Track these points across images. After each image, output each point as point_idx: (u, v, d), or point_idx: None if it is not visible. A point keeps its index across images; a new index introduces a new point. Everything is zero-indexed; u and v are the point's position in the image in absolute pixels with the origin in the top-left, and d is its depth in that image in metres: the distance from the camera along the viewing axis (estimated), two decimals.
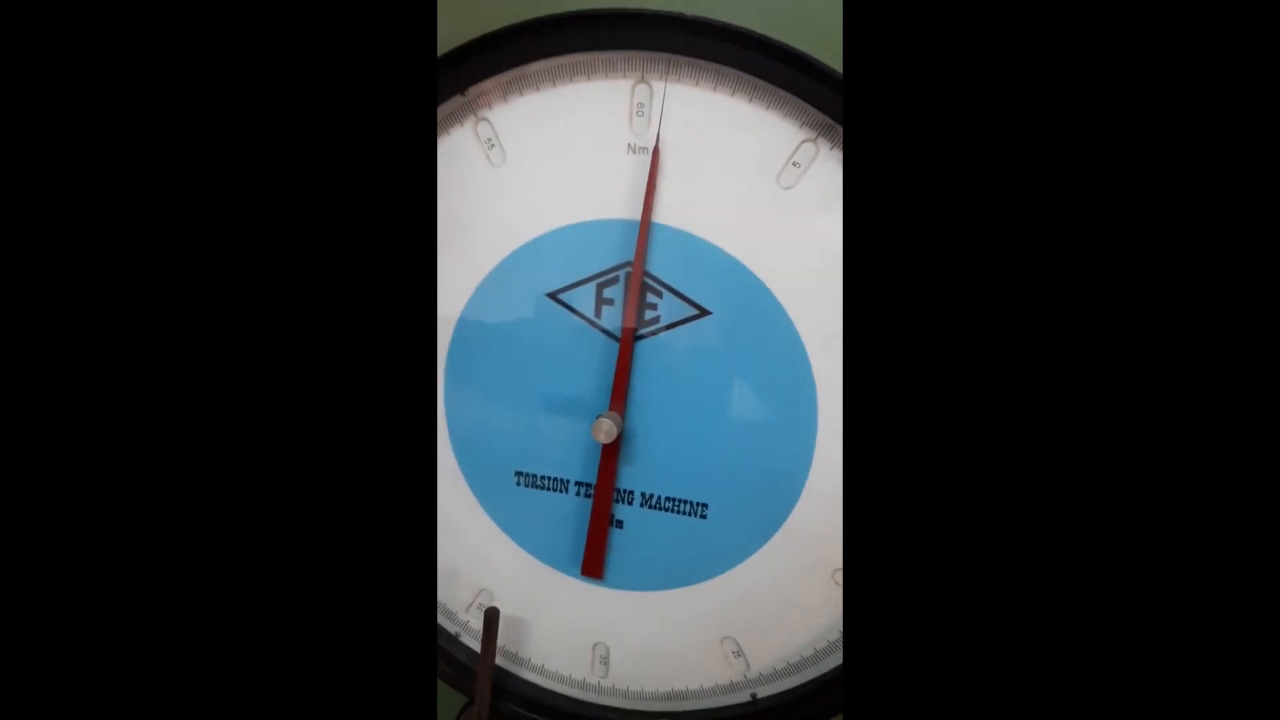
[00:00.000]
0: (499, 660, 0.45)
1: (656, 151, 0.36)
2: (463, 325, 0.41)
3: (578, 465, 0.41)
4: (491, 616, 0.42)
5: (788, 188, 0.35)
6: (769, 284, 0.37)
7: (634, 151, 0.36)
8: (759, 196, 0.36)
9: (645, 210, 0.36)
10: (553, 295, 0.39)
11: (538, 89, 0.37)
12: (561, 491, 0.42)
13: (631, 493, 0.41)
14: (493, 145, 0.38)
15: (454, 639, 0.45)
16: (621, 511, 0.41)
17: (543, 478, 0.42)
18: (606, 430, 0.38)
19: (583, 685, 0.45)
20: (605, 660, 0.44)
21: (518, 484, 0.42)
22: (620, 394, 0.39)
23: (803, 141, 0.35)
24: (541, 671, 0.45)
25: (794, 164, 0.35)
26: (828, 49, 0.33)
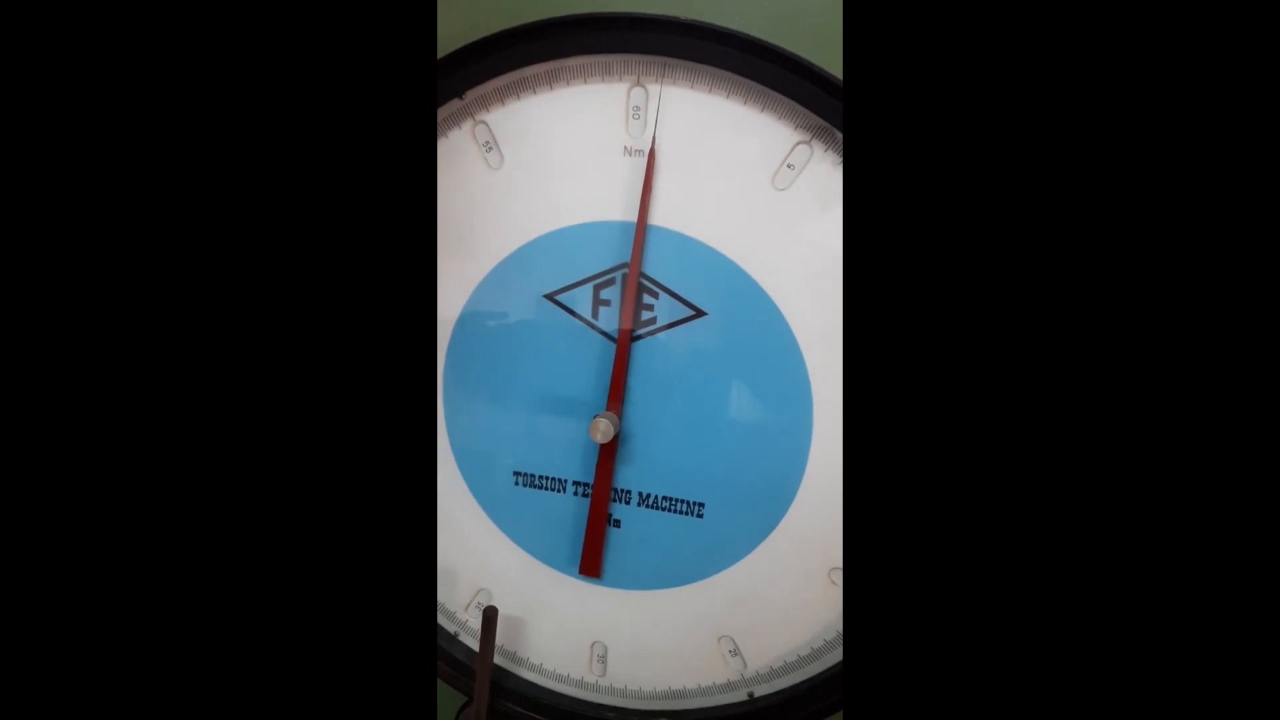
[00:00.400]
0: (497, 659, 0.45)
1: (652, 154, 0.36)
2: (461, 326, 0.41)
3: (575, 465, 0.42)
4: (490, 615, 0.42)
5: (782, 189, 0.36)
6: (764, 285, 0.37)
7: (630, 154, 0.37)
8: (754, 198, 0.36)
9: (641, 212, 0.37)
10: (550, 296, 0.40)
11: (535, 92, 0.37)
12: (559, 491, 0.42)
13: (629, 492, 0.41)
14: (490, 148, 0.38)
15: (453, 638, 0.46)
16: (619, 511, 0.41)
17: (541, 477, 0.42)
18: (603, 430, 0.38)
19: (580, 684, 0.45)
20: (603, 659, 0.44)
21: (516, 483, 0.43)
22: (617, 394, 0.39)
23: (797, 143, 0.35)
24: (540, 670, 0.45)
25: (789, 166, 0.35)
26: (822, 51, 0.34)
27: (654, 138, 0.36)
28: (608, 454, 0.40)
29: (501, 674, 0.45)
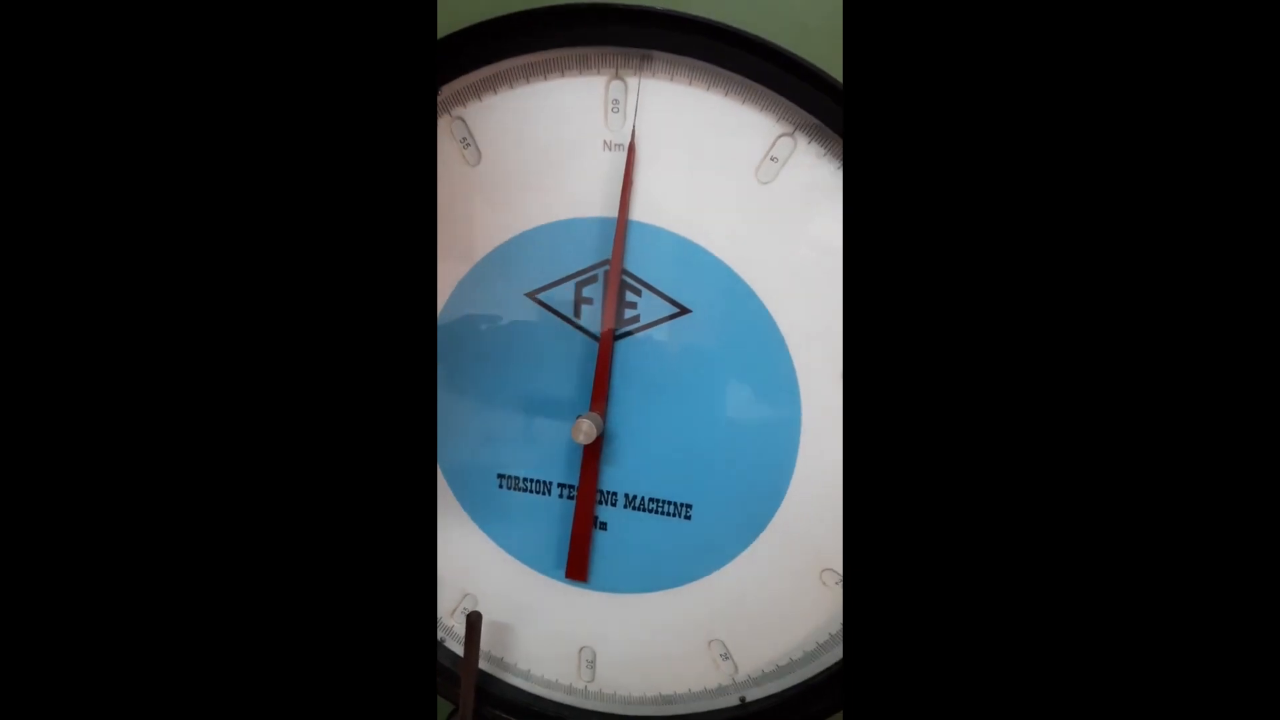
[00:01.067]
0: (484, 665, 0.44)
1: (632, 148, 0.36)
2: (441, 327, 0.41)
3: (560, 467, 0.41)
4: (474, 621, 0.41)
5: (765, 183, 0.35)
6: (748, 280, 0.36)
7: (610, 149, 0.36)
8: (736, 192, 0.35)
9: (622, 207, 0.36)
10: (532, 295, 0.39)
11: (511, 86, 0.36)
12: (544, 494, 0.41)
13: (614, 494, 0.40)
14: (467, 144, 0.38)
15: (438, 644, 0.45)
16: (605, 513, 0.41)
17: (525, 480, 0.41)
18: (586, 431, 0.37)
19: (569, 690, 0.44)
20: (592, 664, 0.43)
21: (500, 486, 0.42)
22: (600, 394, 0.38)
23: (779, 136, 0.34)
24: (527, 676, 0.44)
25: (771, 159, 0.35)
26: (802, 42, 0.33)
27: (633, 131, 0.35)
28: (592, 455, 0.39)
29: (488, 680, 0.44)
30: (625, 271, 0.37)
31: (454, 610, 0.44)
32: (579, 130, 0.36)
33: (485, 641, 0.44)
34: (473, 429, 0.41)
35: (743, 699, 0.41)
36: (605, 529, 0.41)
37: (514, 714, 0.44)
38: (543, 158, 0.37)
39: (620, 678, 0.43)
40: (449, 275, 0.40)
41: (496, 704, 0.44)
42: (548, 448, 0.41)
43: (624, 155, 0.36)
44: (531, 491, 0.41)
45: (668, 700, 0.43)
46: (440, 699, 0.45)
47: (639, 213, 0.37)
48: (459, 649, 0.44)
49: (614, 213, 0.36)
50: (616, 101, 0.35)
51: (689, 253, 0.36)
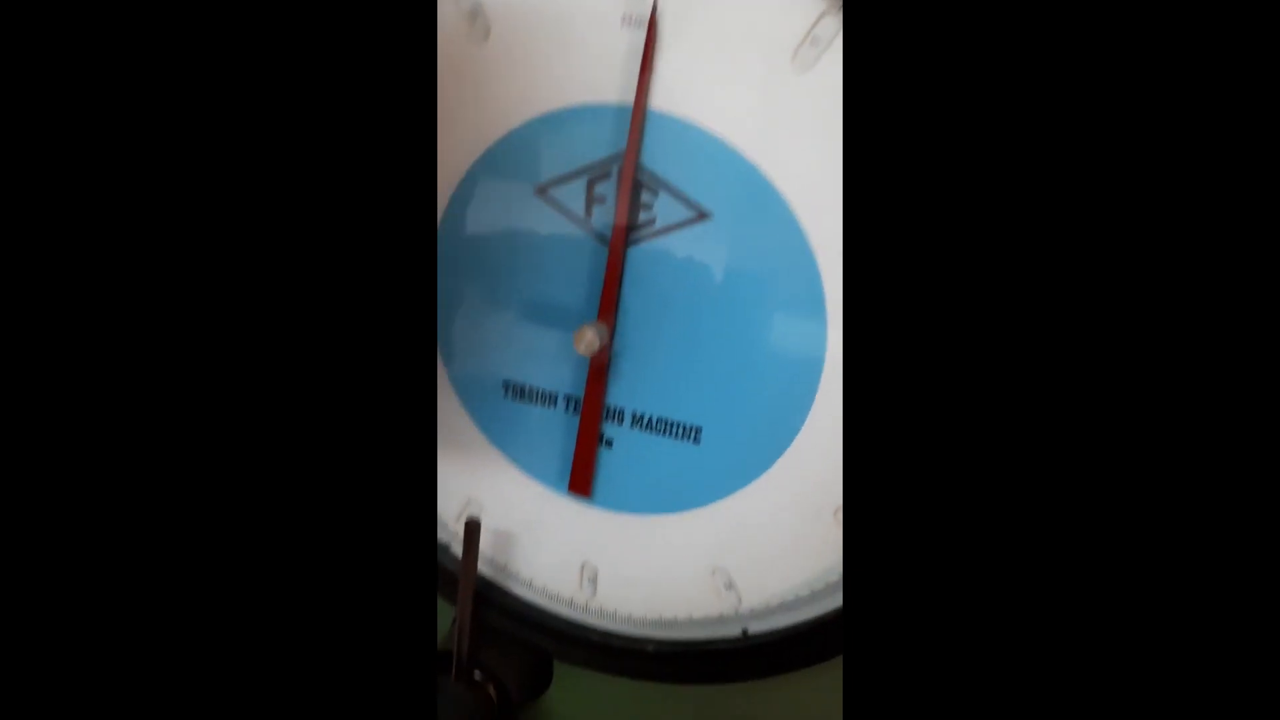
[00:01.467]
0: (487, 570, 0.44)
1: (653, 23, 0.31)
2: (446, 222, 0.38)
3: (567, 378, 0.38)
4: (472, 529, 0.40)
5: (803, 70, 0.30)
6: (777, 184, 0.32)
7: (629, 24, 0.32)
8: (770, 80, 0.31)
9: (639, 94, 0.32)
10: (540, 190, 0.36)
11: None
12: (550, 406, 0.39)
13: (621, 411, 0.38)
14: (475, 17, 0.34)
15: (444, 549, 0.44)
16: (611, 430, 0.38)
17: (531, 389, 0.39)
18: (588, 341, 0.34)
19: (571, 604, 0.43)
20: (593, 581, 0.42)
21: (506, 395, 0.40)
22: (609, 302, 0.35)
23: (823, 14, 0.29)
24: (530, 586, 0.44)
25: (812, 41, 0.30)
26: None
27: (655, 3, 0.31)
28: (598, 368, 0.37)
29: (490, 588, 0.44)
30: (641, 167, 0.33)
31: (458, 516, 0.44)
32: (595, 1, 0.32)
33: (489, 548, 0.43)
34: (478, 333, 0.39)
35: (745, 631, 0.39)
36: (610, 446, 0.39)
37: (517, 622, 0.43)
38: (554, 32, 0.33)
39: (621, 596, 0.42)
40: (454, 167, 0.37)
41: (500, 612, 0.43)
42: (554, 358, 0.38)
43: (643, 32, 0.31)
44: (538, 402, 0.39)
45: (668, 624, 0.41)
46: (446, 602, 0.44)
47: (659, 101, 0.32)
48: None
49: (630, 99, 0.32)
50: None
51: (712, 149, 0.32)
